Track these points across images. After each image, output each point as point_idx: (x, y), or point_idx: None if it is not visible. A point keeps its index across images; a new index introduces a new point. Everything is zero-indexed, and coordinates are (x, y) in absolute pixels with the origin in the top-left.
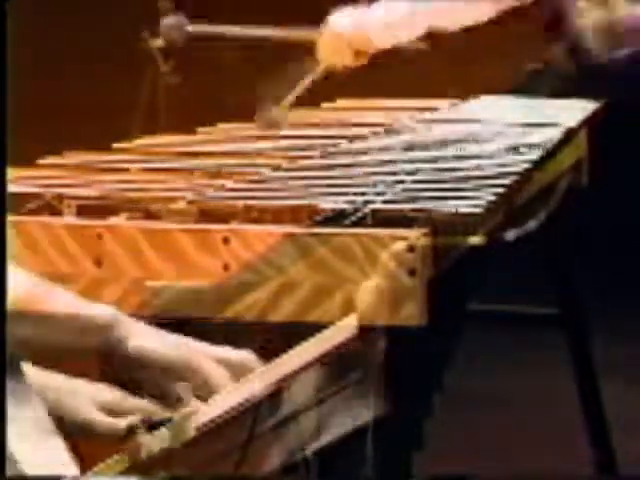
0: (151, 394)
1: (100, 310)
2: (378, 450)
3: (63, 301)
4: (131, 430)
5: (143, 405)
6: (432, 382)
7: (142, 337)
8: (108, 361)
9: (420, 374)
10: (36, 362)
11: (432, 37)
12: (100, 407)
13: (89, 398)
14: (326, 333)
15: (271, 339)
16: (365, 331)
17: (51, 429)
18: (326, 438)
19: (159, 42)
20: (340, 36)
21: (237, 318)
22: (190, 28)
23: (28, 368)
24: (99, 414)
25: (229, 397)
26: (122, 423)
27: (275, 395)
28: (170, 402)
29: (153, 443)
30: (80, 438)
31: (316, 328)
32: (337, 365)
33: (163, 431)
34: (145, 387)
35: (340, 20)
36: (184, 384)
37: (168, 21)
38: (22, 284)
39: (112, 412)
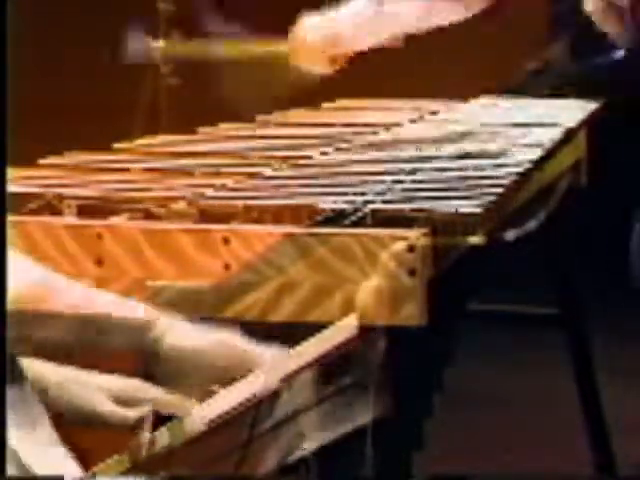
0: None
1: (135, 310)
2: (378, 450)
3: (100, 300)
4: (141, 421)
5: (158, 395)
6: (432, 382)
7: (180, 335)
8: (143, 360)
9: (420, 374)
10: (68, 363)
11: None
12: (112, 397)
13: (101, 389)
14: (326, 333)
15: (271, 339)
16: (365, 331)
17: (54, 440)
18: (326, 438)
19: (160, 44)
20: (312, 45)
21: (237, 318)
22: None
23: (37, 364)
24: (110, 404)
25: (229, 397)
26: (132, 414)
27: (275, 395)
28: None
29: (155, 441)
30: (91, 428)
31: (316, 328)
32: (337, 365)
33: (164, 430)
34: (180, 386)
35: (309, 29)
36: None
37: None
38: (39, 278)
39: (125, 402)
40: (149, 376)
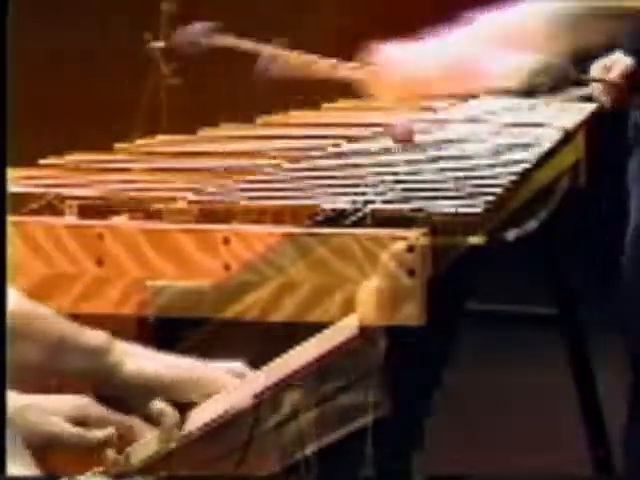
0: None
1: (93, 335)
2: (378, 450)
3: (53, 324)
4: (105, 443)
5: (124, 419)
6: (432, 382)
7: (138, 360)
8: (102, 385)
9: (420, 374)
10: (28, 381)
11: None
12: (72, 420)
13: (59, 411)
14: (326, 333)
15: (271, 339)
16: (365, 331)
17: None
18: (326, 438)
19: (161, 44)
20: (392, 86)
21: (237, 318)
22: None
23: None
24: (67, 425)
25: (228, 397)
26: (92, 434)
27: (275, 395)
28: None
29: (137, 453)
30: (51, 451)
31: (316, 328)
32: (337, 365)
33: (148, 440)
34: (139, 410)
35: (393, 68)
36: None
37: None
38: (10, 302)
39: (81, 423)
40: (100, 399)
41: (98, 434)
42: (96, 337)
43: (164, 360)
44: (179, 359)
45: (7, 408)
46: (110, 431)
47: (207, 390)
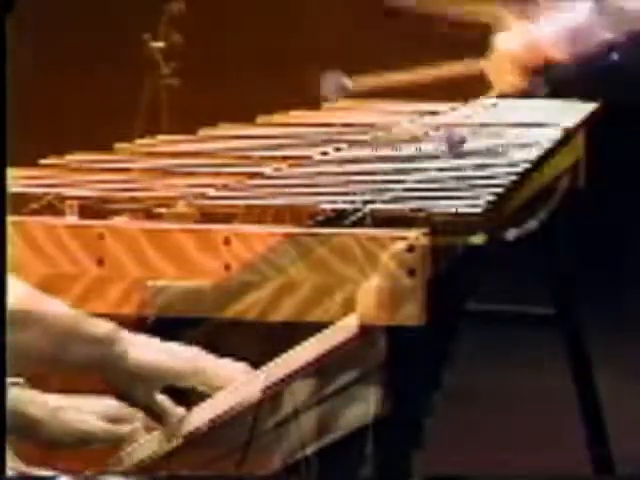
0: (144, 407)
1: (99, 324)
2: (378, 450)
3: (61, 313)
4: (132, 435)
5: (136, 413)
6: (432, 382)
7: (143, 349)
8: (107, 375)
9: (420, 374)
10: (35, 370)
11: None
12: (105, 419)
13: (92, 411)
14: (326, 333)
15: (271, 339)
16: (365, 331)
17: None
18: (326, 438)
19: (161, 44)
20: (512, 56)
21: (237, 318)
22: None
23: (25, 394)
24: (102, 423)
25: (229, 397)
26: (123, 430)
27: (275, 395)
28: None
29: (140, 451)
30: (85, 449)
31: (316, 328)
32: (337, 365)
33: (150, 438)
34: (142, 403)
35: (509, 41)
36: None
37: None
38: (16, 292)
39: (112, 421)
40: (116, 391)
41: (126, 429)
42: (102, 326)
43: (170, 349)
44: (185, 348)
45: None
46: (137, 425)
47: (212, 382)
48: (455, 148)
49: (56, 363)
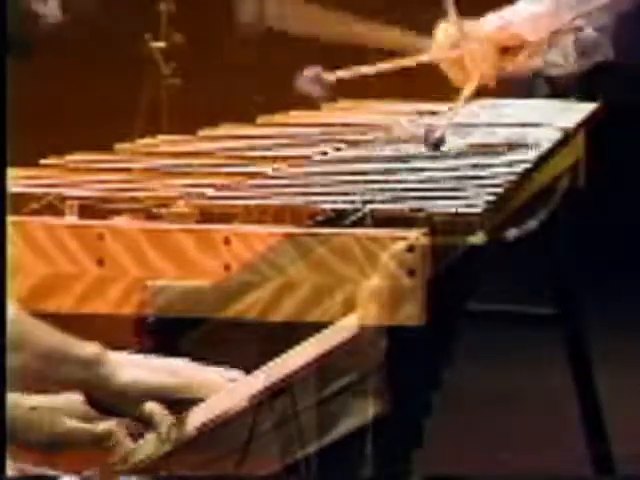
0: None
1: (85, 347)
2: (378, 450)
3: (49, 336)
4: (110, 434)
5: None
6: (431, 382)
7: (132, 370)
8: (95, 395)
9: (420, 374)
10: (25, 388)
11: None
12: (81, 417)
13: (70, 410)
14: (326, 333)
15: (271, 339)
16: (365, 331)
17: None
18: (326, 438)
19: (161, 44)
20: (485, 38)
21: (237, 318)
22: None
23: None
24: (75, 422)
25: (229, 397)
26: (100, 426)
27: (275, 395)
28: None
29: (136, 453)
30: (61, 450)
31: (316, 328)
32: (337, 365)
33: (149, 438)
34: (132, 415)
35: (481, 26)
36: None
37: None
38: (8, 316)
39: (87, 420)
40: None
41: (104, 425)
42: (88, 349)
43: (158, 367)
44: (174, 363)
45: (10, 410)
46: (113, 424)
47: (200, 394)
48: (433, 147)
49: (45, 383)
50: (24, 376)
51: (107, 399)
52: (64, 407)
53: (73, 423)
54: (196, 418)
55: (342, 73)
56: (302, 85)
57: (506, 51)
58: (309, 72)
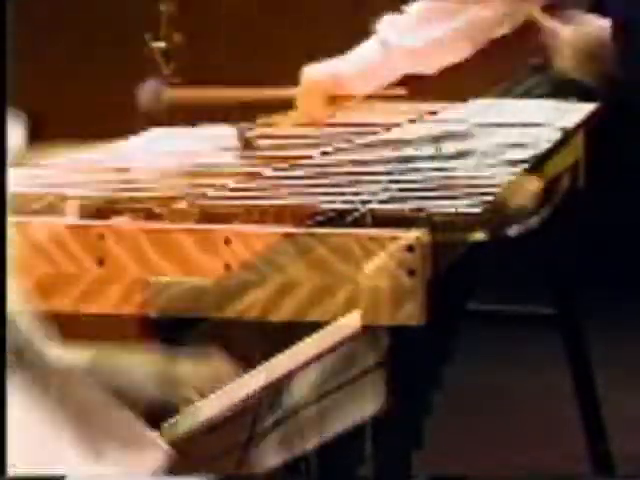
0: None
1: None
2: (378, 449)
3: None
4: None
5: None
6: (431, 381)
7: None
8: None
9: (420, 373)
10: None
11: (409, 81)
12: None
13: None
14: (327, 331)
15: (271, 338)
16: (365, 330)
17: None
18: (326, 436)
19: (161, 44)
20: (315, 84)
21: (238, 317)
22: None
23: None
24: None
25: (230, 394)
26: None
27: (276, 392)
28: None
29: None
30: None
31: (316, 328)
32: (337, 364)
33: (164, 427)
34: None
35: (315, 70)
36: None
37: (147, 86)
38: None
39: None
40: None
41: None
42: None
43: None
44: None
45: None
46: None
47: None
48: (245, 144)
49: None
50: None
51: None
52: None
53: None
54: (200, 414)
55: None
56: (140, 98)
57: (331, 99)
58: (148, 85)
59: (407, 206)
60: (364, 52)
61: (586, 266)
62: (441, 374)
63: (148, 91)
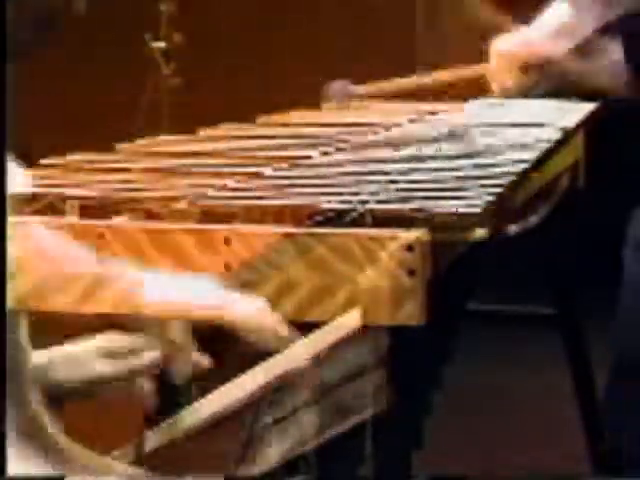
0: None
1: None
2: (378, 449)
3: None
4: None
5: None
6: (431, 381)
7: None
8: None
9: (420, 373)
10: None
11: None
12: (104, 355)
13: (87, 356)
14: (326, 329)
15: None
16: (365, 330)
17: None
18: (326, 436)
19: (161, 44)
20: (510, 54)
21: None
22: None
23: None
24: (99, 366)
25: (230, 393)
26: (133, 362)
27: (275, 392)
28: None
29: (155, 437)
30: (92, 399)
31: (316, 328)
32: (338, 363)
33: (165, 425)
34: None
35: (506, 41)
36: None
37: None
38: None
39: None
40: None
41: (138, 360)
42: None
43: None
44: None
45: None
46: (139, 364)
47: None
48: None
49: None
50: None
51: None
52: (88, 350)
53: (99, 368)
54: (202, 411)
55: (368, 88)
56: (328, 96)
57: (525, 67)
58: (336, 84)
59: (407, 206)
60: (553, 14)
61: (586, 266)
62: (441, 374)
63: (336, 90)
